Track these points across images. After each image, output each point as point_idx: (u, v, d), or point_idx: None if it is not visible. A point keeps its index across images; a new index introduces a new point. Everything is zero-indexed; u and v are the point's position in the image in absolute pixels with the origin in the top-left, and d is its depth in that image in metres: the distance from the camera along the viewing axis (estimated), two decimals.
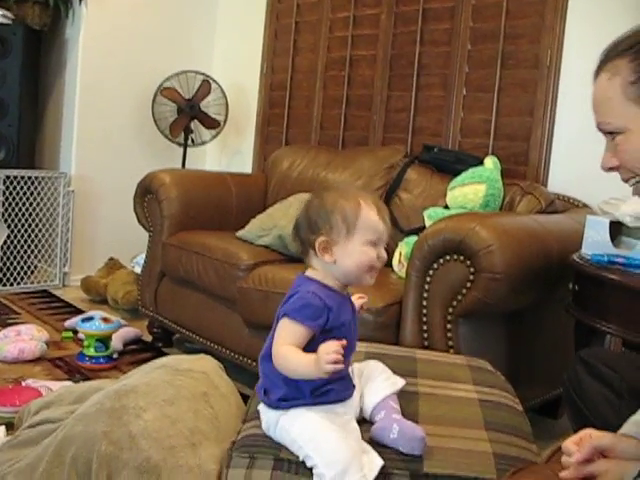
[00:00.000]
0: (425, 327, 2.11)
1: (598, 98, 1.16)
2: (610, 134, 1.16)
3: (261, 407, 1.39)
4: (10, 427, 2.00)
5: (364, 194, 1.35)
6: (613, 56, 1.13)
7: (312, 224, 1.31)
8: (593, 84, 1.18)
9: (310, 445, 1.25)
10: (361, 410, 1.41)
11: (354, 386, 1.40)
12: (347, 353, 1.34)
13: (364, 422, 1.40)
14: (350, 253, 1.30)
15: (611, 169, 1.18)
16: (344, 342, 1.18)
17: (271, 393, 1.34)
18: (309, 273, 1.36)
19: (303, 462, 1.28)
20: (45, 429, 1.60)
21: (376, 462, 1.24)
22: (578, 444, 1.05)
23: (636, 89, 1.09)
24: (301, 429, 1.28)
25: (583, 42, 2.83)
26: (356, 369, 1.47)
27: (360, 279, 1.34)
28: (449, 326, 2.07)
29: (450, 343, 2.07)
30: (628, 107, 1.11)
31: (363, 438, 1.32)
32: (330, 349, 1.16)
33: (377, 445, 1.31)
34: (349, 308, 1.37)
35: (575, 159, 2.86)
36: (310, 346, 1.26)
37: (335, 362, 1.16)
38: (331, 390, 1.32)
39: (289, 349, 1.23)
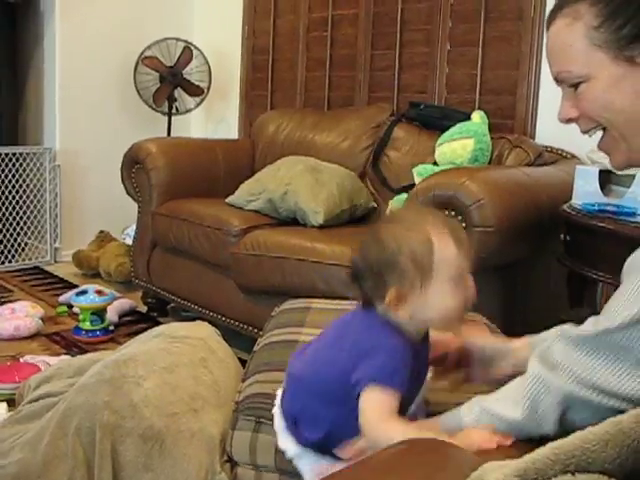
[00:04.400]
0: None
1: (557, 45, 1.08)
2: (570, 83, 1.07)
3: (283, 432, 1.21)
4: (11, 403, 2.01)
5: (429, 218, 1.07)
6: (571, 1, 1.05)
7: (376, 275, 1.05)
8: (547, 32, 1.10)
9: None
10: None
11: None
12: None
13: None
14: (432, 302, 1.04)
15: (570, 120, 1.10)
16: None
17: (304, 430, 1.15)
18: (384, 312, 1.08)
19: None
20: (47, 403, 1.60)
21: None
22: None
23: (601, 34, 1.01)
24: None
25: None
26: None
27: (448, 328, 1.13)
28: None
29: None
30: (592, 53, 1.02)
31: None
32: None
33: None
34: (425, 355, 1.14)
35: None
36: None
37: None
38: None
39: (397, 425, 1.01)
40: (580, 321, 1.16)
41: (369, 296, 1.08)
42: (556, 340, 0.97)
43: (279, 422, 1.21)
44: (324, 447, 1.12)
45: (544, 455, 0.66)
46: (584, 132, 1.11)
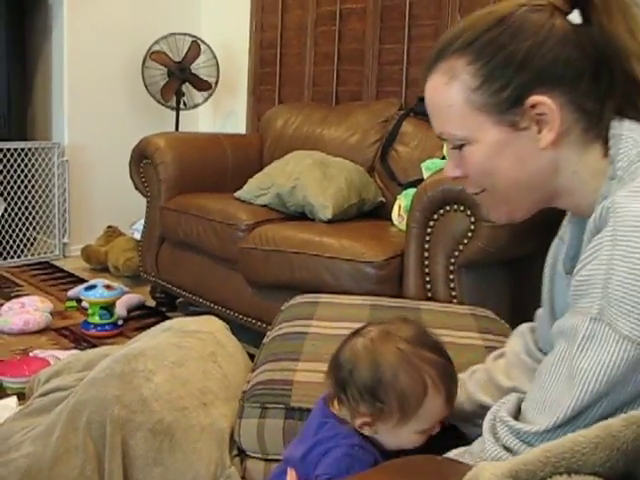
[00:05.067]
0: (427, 278, 2.11)
1: (435, 104, 1.00)
2: (452, 145, 1.01)
3: None
4: (21, 397, 2.02)
5: (435, 362, 1.05)
6: (448, 55, 0.97)
7: (356, 395, 1.04)
8: (426, 84, 1.01)
9: None
10: None
11: None
12: None
13: None
14: (396, 437, 1.06)
15: (457, 178, 1.05)
16: None
17: None
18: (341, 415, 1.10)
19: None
20: (57, 396, 1.61)
21: None
22: None
23: (480, 96, 0.94)
24: None
25: None
26: None
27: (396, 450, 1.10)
28: (451, 276, 2.08)
29: (453, 293, 2.08)
30: (472, 116, 0.96)
31: None
32: None
33: None
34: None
35: None
36: None
37: None
38: None
39: None
40: None
41: (341, 400, 1.08)
42: (498, 423, 0.93)
43: None
44: None
45: (535, 457, 0.67)
46: (470, 193, 1.07)
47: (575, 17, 0.92)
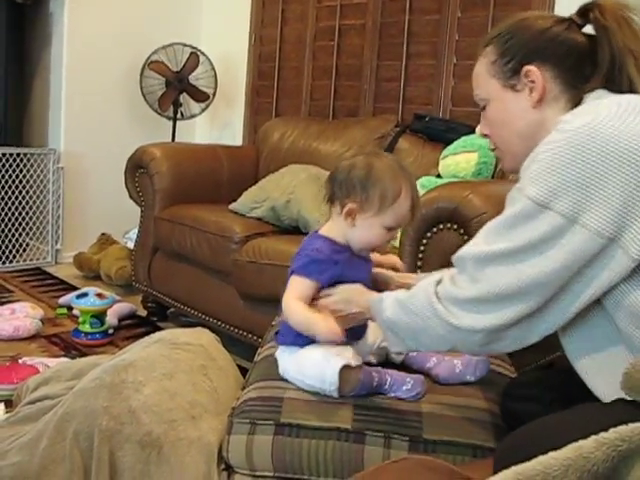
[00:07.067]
0: None
1: (474, 75, 1.37)
2: (480, 105, 1.37)
3: (278, 352, 1.49)
4: (9, 404, 2.01)
5: (408, 178, 1.38)
6: (485, 44, 1.34)
7: (350, 187, 1.36)
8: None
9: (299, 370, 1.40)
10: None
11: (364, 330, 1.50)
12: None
13: None
14: (368, 229, 1.37)
15: (485, 136, 1.38)
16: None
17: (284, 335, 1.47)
18: (322, 231, 1.44)
19: (305, 426, 1.31)
20: (45, 405, 1.61)
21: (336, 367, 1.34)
22: None
23: (495, 67, 1.30)
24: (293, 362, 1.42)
25: (573, 8, 2.81)
26: None
27: (360, 251, 1.43)
28: None
29: None
30: (489, 81, 1.31)
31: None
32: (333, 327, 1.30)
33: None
34: (364, 268, 1.46)
35: None
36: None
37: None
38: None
39: (297, 305, 1.36)
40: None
41: (334, 199, 1.40)
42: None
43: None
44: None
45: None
46: (491, 149, 1.42)
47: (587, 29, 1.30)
